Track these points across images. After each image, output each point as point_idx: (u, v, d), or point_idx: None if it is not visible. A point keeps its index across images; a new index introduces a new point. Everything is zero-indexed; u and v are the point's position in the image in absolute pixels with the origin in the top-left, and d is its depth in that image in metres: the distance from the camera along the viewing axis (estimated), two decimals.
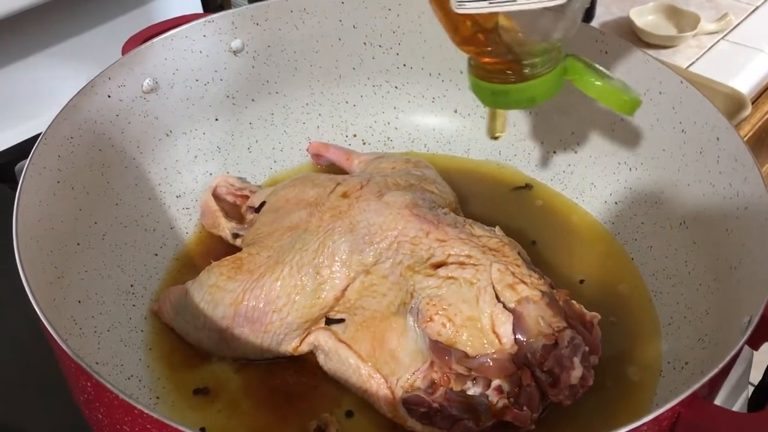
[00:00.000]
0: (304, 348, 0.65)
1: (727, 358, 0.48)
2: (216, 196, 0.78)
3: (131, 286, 0.71)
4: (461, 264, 0.61)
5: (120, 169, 0.73)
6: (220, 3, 1.21)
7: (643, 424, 0.45)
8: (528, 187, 0.84)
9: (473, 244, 0.62)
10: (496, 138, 0.67)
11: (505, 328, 0.57)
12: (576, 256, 0.76)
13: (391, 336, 0.60)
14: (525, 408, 0.56)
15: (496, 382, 0.56)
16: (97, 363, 0.61)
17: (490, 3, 0.53)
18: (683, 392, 0.46)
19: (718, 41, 1.20)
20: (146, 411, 0.44)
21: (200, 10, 1.10)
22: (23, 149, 0.88)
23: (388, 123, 0.89)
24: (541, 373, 0.56)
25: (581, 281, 0.73)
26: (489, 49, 0.58)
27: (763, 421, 0.45)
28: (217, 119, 0.82)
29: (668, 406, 0.45)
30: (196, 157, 0.81)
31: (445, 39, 0.56)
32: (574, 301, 0.60)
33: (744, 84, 1.10)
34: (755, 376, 0.84)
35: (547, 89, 0.61)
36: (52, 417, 0.64)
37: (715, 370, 0.47)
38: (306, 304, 0.64)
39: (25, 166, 0.60)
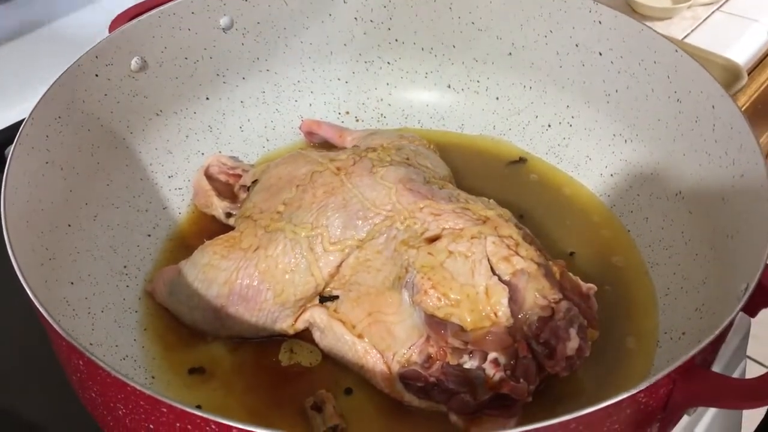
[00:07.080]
0: (300, 326, 0.65)
1: (723, 325, 0.48)
2: (208, 176, 0.77)
3: (124, 267, 0.70)
4: (456, 237, 0.60)
5: (110, 149, 0.73)
6: None
7: (639, 392, 0.44)
8: (522, 161, 0.83)
9: (468, 217, 0.62)
10: None
11: (501, 301, 0.56)
12: (567, 228, 0.76)
13: (386, 311, 0.60)
14: (522, 380, 0.56)
15: (492, 355, 0.56)
16: (91, 344, 0.61)
17: None
18: (679, 359, 0.46)
19: (713, 12, 1.19)
20: (139, 388, 0.43)
21: None
22: (12, 133, 0.87)
23: (381, 99, 0.88)
24: (537, 345, 0.56)
25: (571, 253, 0.73)
26: None
27: (759, 388, 0.45)
28: (207, 98, 0.82)
29: (664, 372, 0.45)
30: (187, 136, 0.80)
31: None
32: (570, 273, 0.60)
33: (740, 55, 1.09)
34: (753, 350, 0.83)
35: None
36: (52, 405, 0.64)
37: (711, 337, 0.47)
38: (300, 282, 0.63)
39: (13, 146, 0.60)
